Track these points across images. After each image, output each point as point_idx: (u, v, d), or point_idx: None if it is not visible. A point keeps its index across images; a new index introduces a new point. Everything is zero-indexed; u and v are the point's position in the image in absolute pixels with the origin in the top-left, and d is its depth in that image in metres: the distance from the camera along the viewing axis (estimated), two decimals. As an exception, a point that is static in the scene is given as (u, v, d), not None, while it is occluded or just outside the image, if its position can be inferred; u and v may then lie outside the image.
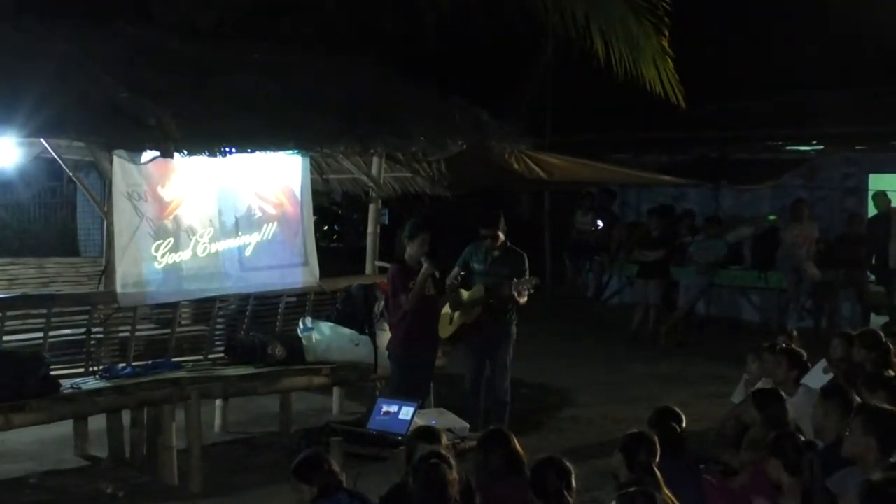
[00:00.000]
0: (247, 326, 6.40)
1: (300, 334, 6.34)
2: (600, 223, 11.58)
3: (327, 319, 6.52)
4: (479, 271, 6.16)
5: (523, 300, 6.00)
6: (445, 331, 6.11)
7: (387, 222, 11.35)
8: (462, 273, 6.19)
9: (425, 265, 5.73)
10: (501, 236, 6.12)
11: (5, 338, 5.40)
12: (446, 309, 6.09)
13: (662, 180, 10.25)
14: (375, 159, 6.96)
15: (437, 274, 5.85)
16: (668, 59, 7.81)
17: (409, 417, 4.71)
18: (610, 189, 11.74)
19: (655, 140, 11.49)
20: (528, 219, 12.71)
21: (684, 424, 4.26)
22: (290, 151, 6.13)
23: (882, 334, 5.68)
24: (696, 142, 11.24)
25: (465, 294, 6.13)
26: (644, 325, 9.97)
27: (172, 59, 6.11)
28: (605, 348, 9.46)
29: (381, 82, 6.91)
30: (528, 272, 6.11)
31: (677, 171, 10.30)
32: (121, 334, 5.88)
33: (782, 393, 4.81)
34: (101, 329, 5.77)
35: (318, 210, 8.68)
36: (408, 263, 5.81)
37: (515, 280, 5.96)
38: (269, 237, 6.31)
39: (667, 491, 3.49)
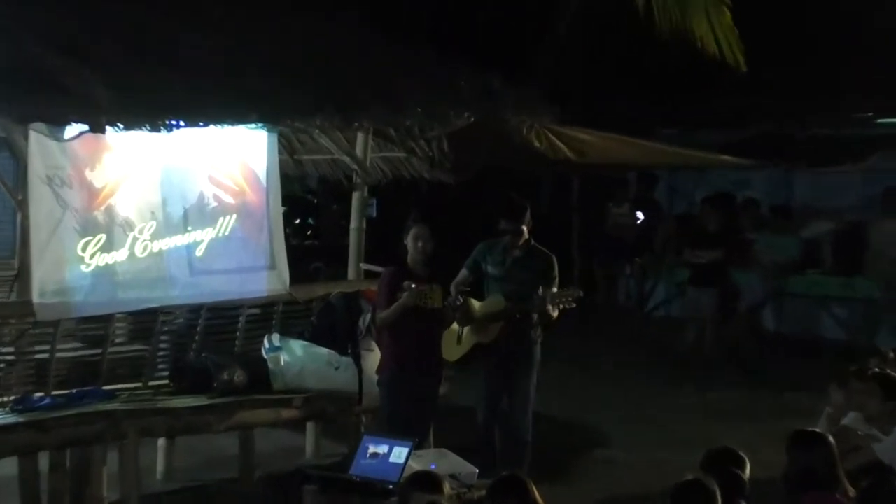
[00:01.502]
0: (198, 345, 6.40)
1: (265, 355, 6.35)
2: (640, 216, 11.55)
3: (300, 337, 6.53)
4: (495, 276, 6.12)
5: (555, 314, 5.97)
6: (453, 352, 6.07)
7: (374, 214, 11.36)
8: (470, 279, 6.14)
9: (406, 294, 5.59)
10: (526, 232, 6.09)
11: None
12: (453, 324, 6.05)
13: (720, 161, 10.22)
14: (360, 136, 6.95)
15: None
16: (725, 10, 7.75)
17: (402, 460, 4.70)
18: (651, 173, 11.71)
19: (710, 112, 11.46)
20: (551, 211, 12.67)
21: (748, 471, 4.22)
22: (254, 126, 6.13)
23: None
24: (761, 113, 11.21)
25: (476, 305, 6.09)
26: (698, 344, 9.95)
27: (106, 13, 6.08)
28: (647, 374, 9.43)
29: (367, 42, 6.89)
30: (557, 278, 6.10)
31: (738, 151, 10.27)
32: (38, 356, 5.85)
33: (875, 431, 4.76)
34: (12, 349, 5.75)
35: (288, 199, 8.69)
36: (410, 267, 5.77)
37: (549, 290, 5.92)
38: (227, 233, 6.31)
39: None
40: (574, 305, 6.02)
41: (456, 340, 6.08)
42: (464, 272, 6.15)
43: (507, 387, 6.15)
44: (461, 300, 5.69)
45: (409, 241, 5.81)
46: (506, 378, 6.14)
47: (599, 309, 11.46)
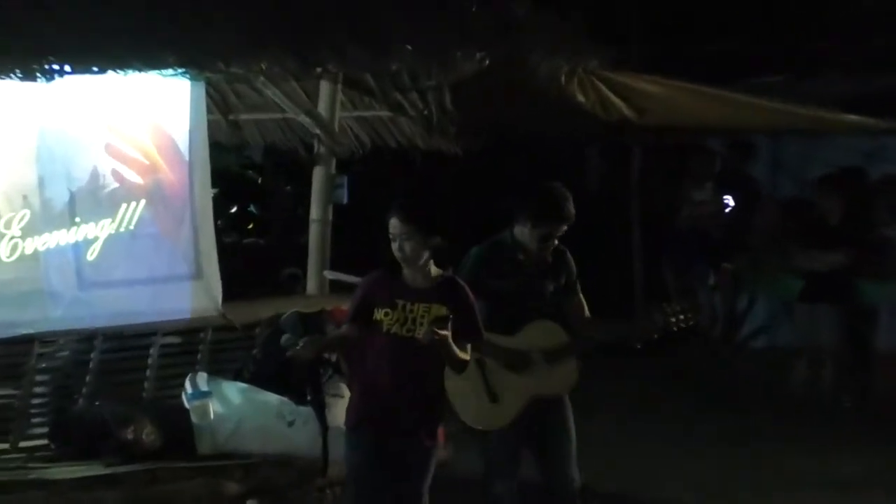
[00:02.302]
0: (90, 390, 6.43)
1: (187, 404, 6.38)
2: (730, 201, 11.54)
3: (238, 378, 6.57)
4: (507, 292, 6.06)
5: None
6: (492, 417, 5.99)
7: (345, 200, 11.36)
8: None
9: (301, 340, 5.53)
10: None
11: None
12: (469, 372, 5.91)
13: (846, 123, 10.19)
14: (325, 86, 7.03)
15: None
16: None
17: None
18: (745, 140, 11.70)
19: (831, 53, 11.44)
20: (601, 194, 12.66)
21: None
22: (171, 72, 6.15)
23: None
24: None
25: (503, 340, 6.05)
26: (813, 386, 9.92)
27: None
28: (740, 430, 9.42)
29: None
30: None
31: (870, 107, 10.24)
32: None
33: None
34: None
35: (220, 178, 8.72)
36: (405, 275, 5.70)
37: (670, 306, 6.07)
38: (132, 227, 6.35)
39: None
40: (692, 322, 6.14)
41: (487, 396, 6.00)
42: None
43: (540, 439, 6.10)
44: (438, 334, 5.55)
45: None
46: (531, 427, 6.09)
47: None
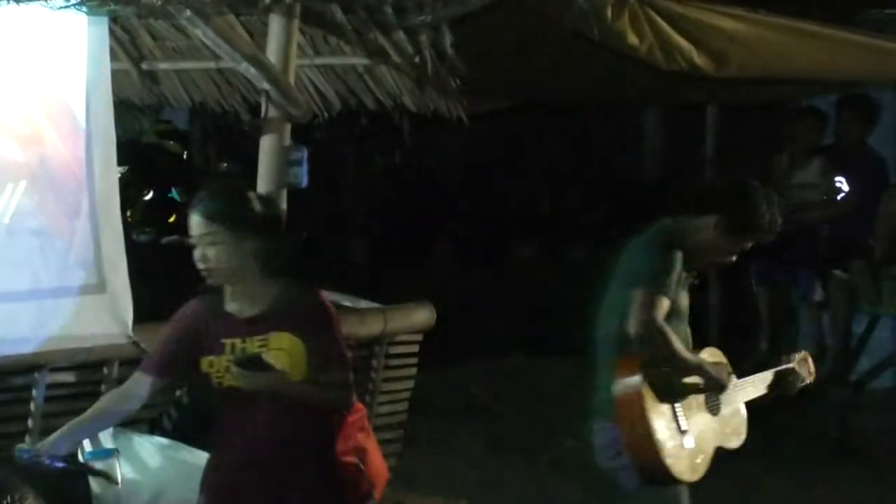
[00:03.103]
0: (-50, 447, 6.44)
1: (86, 465, 6.28)
2: (843, 184, 11.54)
3: (154, 429, 6.66)
4: (680, 306, 6.20)
5: None
6: (686, 464, 6.12)
7: (305, 182, 11.36)
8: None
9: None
10: None
11: None
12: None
13: None
14: (276, 22, 7.06)
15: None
16: None
17: None
18: (864, 96, 11.69)
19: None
20: (661, 173, 12.69)
21: None
22: (60, 3, 6.23)
23: None
24: None
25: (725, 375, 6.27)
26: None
27: None
28: (859, 502, 9.46)
29: None
30: None
31: None
32: None
33: None
34: None
35: (130, 152, 8.72)
36: (225, 301, 5.55)
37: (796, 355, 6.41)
38: (7, 220, 6.41)
39: None
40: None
41: (681, 440, 6.07)
42: (657, 294, 5.96)
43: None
44: (255, 378, 5.27)
45: None
46: None
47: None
